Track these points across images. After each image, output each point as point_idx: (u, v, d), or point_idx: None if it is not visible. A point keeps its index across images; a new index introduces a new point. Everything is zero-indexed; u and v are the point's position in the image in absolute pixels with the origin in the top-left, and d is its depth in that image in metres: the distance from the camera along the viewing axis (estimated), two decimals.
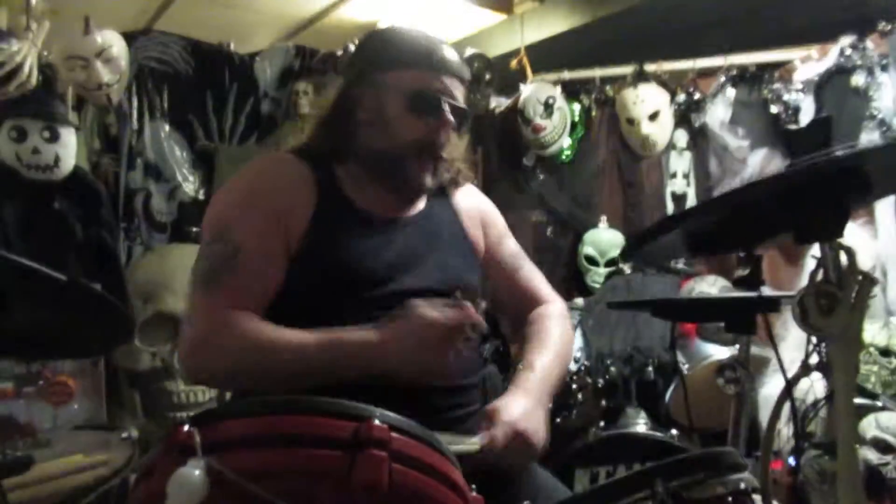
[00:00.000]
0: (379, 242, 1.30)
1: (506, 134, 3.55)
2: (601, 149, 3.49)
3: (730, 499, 0.96)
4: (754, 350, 1.57)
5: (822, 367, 1.17)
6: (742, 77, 3.16)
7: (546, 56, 3.66)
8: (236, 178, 1.39)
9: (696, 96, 3.27)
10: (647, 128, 3.27)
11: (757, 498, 1.02)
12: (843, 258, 1.03)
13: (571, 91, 3.49)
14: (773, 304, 1.48)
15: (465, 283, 1.36)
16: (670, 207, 3.33)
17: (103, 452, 2.00)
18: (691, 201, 3.31)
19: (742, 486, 0.98)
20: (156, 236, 3.15)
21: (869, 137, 2.78)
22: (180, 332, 1.24)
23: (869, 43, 2.85)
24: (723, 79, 3.18)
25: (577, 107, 3.49)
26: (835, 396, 1.03)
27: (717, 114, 3.19)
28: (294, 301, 1.23)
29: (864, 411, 2.03)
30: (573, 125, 3.47)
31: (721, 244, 1.43)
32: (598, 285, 3.19)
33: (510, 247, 1.52)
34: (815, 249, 1.06)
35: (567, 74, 3.49)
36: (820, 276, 1.04)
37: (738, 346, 1.61)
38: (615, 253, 3.24)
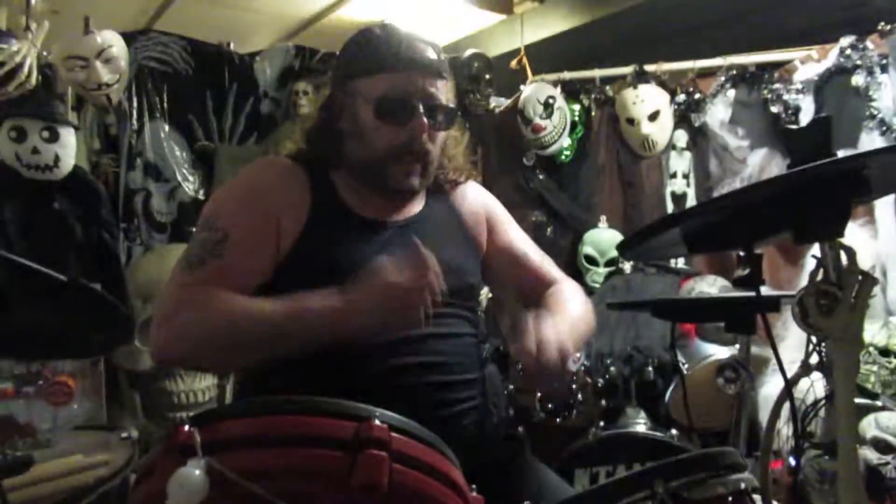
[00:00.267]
0: (375, 246, 1.29)
1: (506, 134, 3.55)
2: (601, 149, 3.49)
3: (730, 499, 0.96)
4: (754, 350, 1.58)
5: (822, 367, 1.17)
6: (742, 77, 3.15)
7: (546, 56, 3.66)
8: (233, 180, 1.40)
9: (696, 96, 3.27)
10: (647, 128, 3.27)
11: (757, 498, 1.02)
12: (843, 258, 1.03)
13: (571, 91, 3.49)
14: (773, 304, 1.48)
15: (464, 286, 1.36)
16: (670, 207, 3.33)
17: (103, 452, 2.00)
18: (691, 201, 3.31)
19: (742, 486, 0.98)
20: (156, 236, 3.15)
21: (869, 137, 2.78)
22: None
23: (869, 43, 2.85)
24: (723, 79, 3.18)
25: (577, 107, 3.48)
26: (835, 396, 1.03)
27: (717, 114, 3.19)
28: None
29: (863, 411, 2.03)
30: (573, 125, 3.46)
31: (721, 243, 1.43)
32: (597, 285, 3.19)
33: (516, 235, 1.52)
34: (815, 249, 1.06)
35: (567, 74, 3.49)
36: (820, 276, 1.04)
37: (737, 346, 1.62)
38: (615, 253, 3.24)
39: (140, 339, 2.66)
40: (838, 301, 1.00)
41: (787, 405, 1.16)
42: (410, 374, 1.22)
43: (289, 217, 1.26)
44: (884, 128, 2.77)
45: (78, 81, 2.76)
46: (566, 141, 3.44)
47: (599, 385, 2.57)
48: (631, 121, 3.31)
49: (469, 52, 3.47)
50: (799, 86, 3.00)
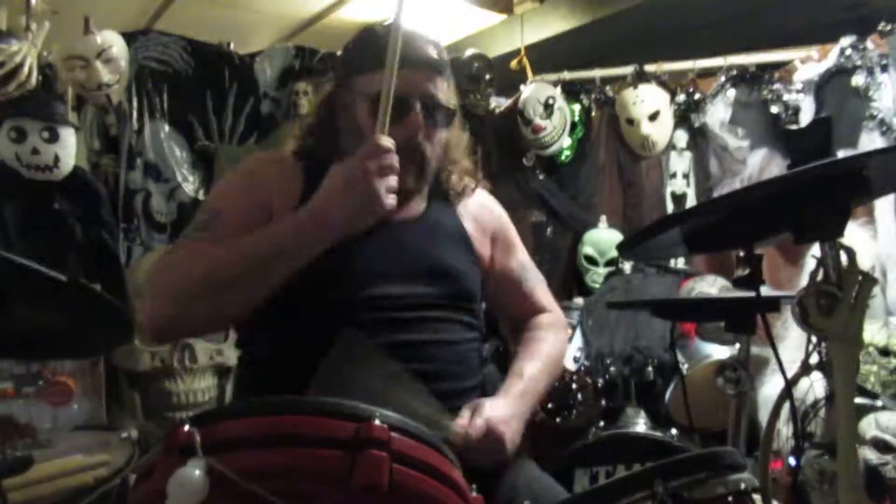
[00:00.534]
0: (370, 242, 1.27)
1: (506, 134, 3.55)
2: (601, 149, 3.49)
3: (730, 499, 0.96)
4: (754, 350, 1.57)
5: (822, 367, 1.17)
6: (742, 77, 3.16)
7: (546, 56, 3.67)
8: (231, 172, 1.43)
9: (696, 96, 3.27)
10: (647, 128, 3.27)
11: (757, 498, 1.02)
12: (843, 258, 1.03)
13: (571, 91, 3.49)
14: (773, 304, 1.48)
15: (462, 290, 1.35)
16: (670, 207, 3.33)
17: (103, 453, 2.00)
18: (691, 201, 3.32)
19: (742, 486, 0.98)
20: (155, 236, 3.15)
21: (869, 138, 2.78)
22: None
23: (869, 43, 2.85)
24: (723, 79, 3.18)
25: (577, 107, 3.49)
26: (835, 396, 1.03)
27: (717, 114, 3.19)
28: (279, 300, 1.21)
29: (863, 411, 2.03)
30: (573, 125, 3.47)
31: (721, 243, 1.43)
32: (597, 285, 3.19)
33: (519, 258, 1.52)
34: (815, 249, 1.06)
35: (567, 74, 3.49)
36: (820, 276, 1.04)
37: (738, 345, 1.61)
38: (615, 253, 3.24)
39: (140, 340, 2.66)
40: (838, 301, 1.00)
41: (787, 405, 1.16)
42: None
43: (280, 206, 1.28)
44: (884, 128, 2.77)
45: (78, 81, 2.76)
46: (566, 141, 3.44)
47: (599, 385, 2.57)
48: (631, 121, 3.31)
49: (469, 52, 3.47)
50: (799, 86, 3.00)
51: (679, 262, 3.11)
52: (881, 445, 1.96)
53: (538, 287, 1.54)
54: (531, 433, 1.39)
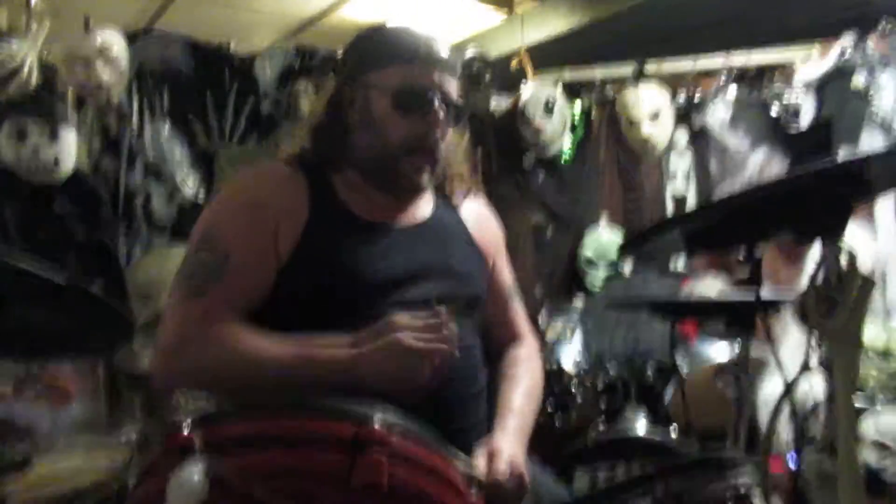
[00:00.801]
0: (379, 251, 1.27)
1: (506, 134, 3.55)
2: (601, 149, 3.49)
3: (730, 499, 0.96)
4: (754, 350, 1.57)
5: (822, 367, 1.17)
6: (742, 77, 3.16)
7: (546, 56, 3.66)
8: (228, 189, 1.38)
9: (696, 96, 3.27)
10: (647, 128, 3.27)
11: (757, 499, 1.02)
12: (844, 258, 1.03)
13: (571, 91, 3.49)
14: (773, 305, 1.48)
15: (471, 294, 1.35)
16: (670, 208, 3.33)
17: (103, 454, 2.00)
18: (691, 202, 3.32)
19: (742, 487, 0.98)
20: (156, 237, 3.14)
21: (869, 137, 2.78)
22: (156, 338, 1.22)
23: (869, 43, 2.85)
24: (723, 79, 3.18)
25: (577, 107, 3.49)
26: (835, 397, 1.03)
27: (717, 114, 3.19)
28: (287, 310, 1.21)
29: (862, 413, 2.03)
30: (573, 125, 3.47)
31: (721, 243, 1.43)
32: (597, 286, 3.19)
33: (507, 279, 1.51)
34: (816, 249, 1.06)
35: (567, 74, 3.49)
36: (820, 276, 1.04)
37: (737, 347, 1.61)
38: (615, 254, 3.24)
39: (139, 341, 2.66)
40: (838, 301, 1.00)
41: (787, 406, 1.16)
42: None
43: (286, 224, 1.24)
44: (884, 127, 2.77)
45: (78, 81, 2.76)
46: (566, 141, 3.44)
47: (599, 386, 2.57)
48: (631, 121, 3.31)
49: (469, 52, 3.47)
50: (799, 86, 3.00)
51: (679, 263, 3.11)
52: (880, 447, 1.96)
53: (520, 312, 1.52)
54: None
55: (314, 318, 1.20)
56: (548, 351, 2.78)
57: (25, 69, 2.57)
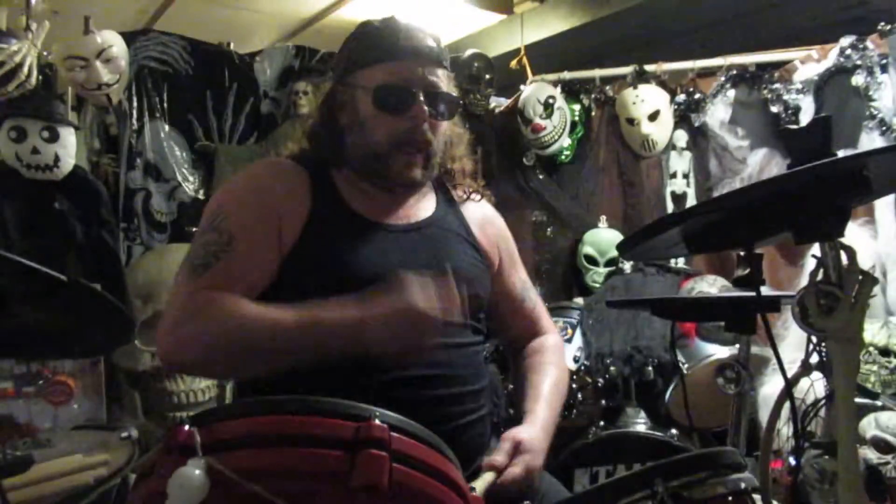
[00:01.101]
0: (378, 248, 1.27)
1: (506, 134, 3.55)
2: (601, 149, 3.49)
3: (730, 498, 0.96)
4: (754, 350, 1.57)
5: (822, 367, 1.17)
6: (742, 77, 3.15)
7: (546, 56, 3.67)
8: (235, 178, 1.39)
9: (696, 96, 3.26)
10: (647, 128, 3.27)
11: (757, 498, 1.02)
12: (843, 258, 1.03)
13: (571, 91, 3.49)
14: (773, 304, 1.48)
15: (471, 295, 1.35)
16: (670, 207, 3.33)
17: (103, 452, 2.00)
18: (691, 201, 3.31)
19: (742, 485, 0.98)
20: (156, 236, 3.15)
21: (869, 137, 2.78)
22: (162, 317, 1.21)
23: (869, 43, 2.85)
24: (723, 79, 3.18)
25: (577, 107, 3.48)
26: (835, 396, 1.03)
27: (717, 114, 3.19)
28: (283, 302, 1.19)
29: (864, 411, 2.03)
30: (573, 125, 3.46)
31: (721, 243, 1.43)
32: (597, 285, 3.19)
33: (520, 276, 1.51)
34: (815, 249, 1.06)
35: (567, 74, 3.49)
36: (820, 276, 1.04)
37: (737, 345, 1.61)
38: (615, 253, 3.24)
39: (140, 339, 2.67)
40: (838, 301, 1.00)
41: (787, 405, 1.16)
42: (416, 386, 1.21)
43: (290, 216, 1.25)
44: (884, 128, 2.76)
45: (78, 81, 2.76)
46: (566, 141, 3.44)
47: (599, 385, 2.57)
48: (631, 121, 3.31)
49: (469, 52, 3.47)
50: (799, 86, 3.00)
51: (679, 262, 3.11)
52: (881, 445, 1.96)
53: (539, 307, 1.53)
54: None
55: None
56: None
57: (25, 69, 2.57)
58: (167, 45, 3.23)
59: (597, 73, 3.47)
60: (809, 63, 3.00)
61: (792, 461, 1.11)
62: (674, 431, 2.38)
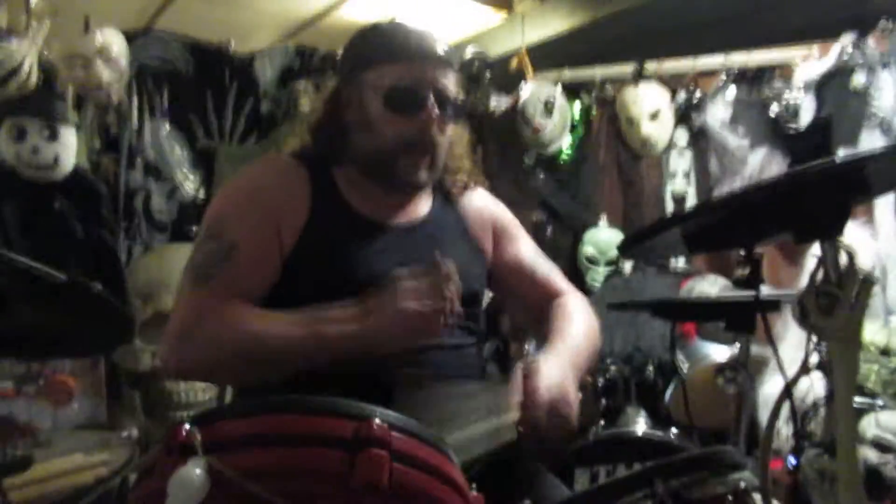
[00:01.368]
0: (377, 248, 1.28)
1: (506, 134, 3.55)
2: (601, 149, 3.49)
3: (730, 498, 0.96)
4: (754, 350, 1.58)
5: (822, 367, 1.17)
6: (742, 77, 3.15)
7: (546, 56, 3.66)
8: (234, 180, 1.39)
9: (696, 96, 3.26)
10: (647, 127, 3.27)
11: (757, 498, 1.02)
12: (843, 258, 1.03)
13: (571, 91, 3.49)
14: (773, 304, 1.48)
15: (469, 293, 1.35)
16: (670, 207, 3.33)
17: (103, 452, 2.00)
18: (691, 201, 3.31)
19: (742, 485, 0.98)
20: (156, 236, 3.15)
21: (869, 137, 2.78)
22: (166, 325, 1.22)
23: (870, 42, 2.85)
24: (723, 78, 3.18)
25: (577, 107, 3.49)
26: (835, 396, 1.03)
27: (717, 114, 3.19)
28: (287, 304, 1.21)
29: (864, 411, 2.03)
30: (573, 125, 3.47)
31: (721, 243, 1.43)
32: (597, 285, 3.19)
33: (526, 247, 1.50)
34: (815, 249, 1.06)
35: (567, 74, 3.49)
36: (820, 276, 1.04)
37: (738, 345, 1.62)
38: (615, 253, 3.24)
39: (141, 339, 2.67)
40: (838, 301, 1.00)
41: (787, 405, 1.16)
42: (409, 386, 1.19)
43: (289, 215, 1.25)
44: (884, 127, 2.76)
45: (78, 81, 2.76)
46: (566, 141, 3.44)
47: (599, 385, 2.56)
48: (631, 120, 3.31)
49: (469, 52, 3.47)
50: (799, 85, 3.00)
51: (679, 262, 3.11)
52: (881, 445, 1.96)
53: (553, 273, 1.50)
54: None
55: None
56: None
57: (25, 69, 2.57)
58: (167, 44, 3.23)
59: (597, 72, 3.47)
60: (809, 62, 3.00)
61: (792, 461, 1.11)
62: (674, 431, 2.38)
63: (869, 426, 1.99)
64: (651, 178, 3.39)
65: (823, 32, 3.02)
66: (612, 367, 2.57)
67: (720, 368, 1.91)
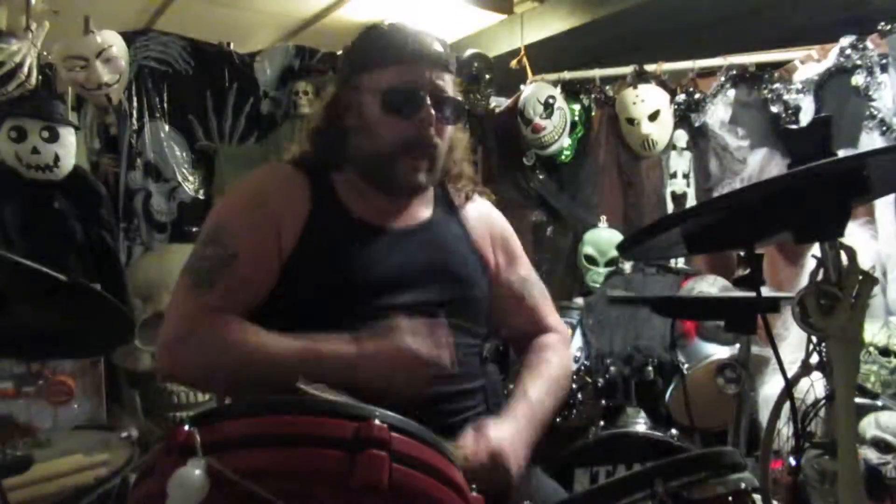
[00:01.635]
0: (377, 253, 1.27)
1: (506, 134, 3.55)
2: (601, 149, 3.49)
3: (730, 499, 0.96)
4: (754, 350, 1.58)
5: (822, 367, 1.17)
6: (742, 77, 3.15)
7: (546, 56, 3.67)
8: (235, 187, 1.41)
9: (696, 96, 3.26)
10: (647, 128, 3.27)
11: (757, 498, 1.02)
12: (843, 258, 1.03)
13: (571, 91, 3.49)
14: (773, 304, 1.48)
15: (469, 297, 1.35)
16: (670, 207, 3.33)
17: (103, 452, 2.00)
18: (691, 201, 3.31)
19: (742, 485, 0.98)
20: (156, 236, 3.15)
21: (869, 137, 2.78)
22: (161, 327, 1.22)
23: (869, 43, 2.85)
24: (723, 79, 3.18)
25: (577, 107, 3.48)
26: (835, 396, 1.03)
27: (717, 114, 3.19)
28: (286, 308, 1.22)
29: (864, 411, 2.03)
30: (573, 125, 3.46)
31: (721, 243, 1.43)
32: (597, 285, 3.19)
33: (521, 272, 1.49)
34: (815, 249, 1.06)
35: (567, 74, 3.49)
36: (820, 276, 1.04)
37: (738, 345, 1.61)
38: (615, 253, 3.23)
39: (140, 339, 2.67)
40: (838, 301, 1.00)
41: (787, 405, 1.16)
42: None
43: (288, 222, 1.25)
44: (884, 128, 2.76)
45: (78, 81, 2.76)
46: (566, 141, 3.44)
47: (599, 385, 2.56)
48: (631, 121, 3.31)
49: (469, 52, 3.47)
50: (799, 86, 3.00)
51: (679, 262, 3.11)
52: (881, 445, 1.96)
53: (542, 303, 1.50)
54: None
55: (311, 319, 1.20)
56: None
57: (25, 69, 2.58)
58: (167, 44, 3.23)
59: (597, 73, 3.47)
60: (809, 63, 3.00)
61: (792, 461, 1.11)
62: (674, 432, 2.38)
63: (869, 426, 1.99)
64: (651, 178, 3.39)
65: (823, 33, 3.03)
66: (612, 367, 2.57)
67: (720, 368, 1.91)
